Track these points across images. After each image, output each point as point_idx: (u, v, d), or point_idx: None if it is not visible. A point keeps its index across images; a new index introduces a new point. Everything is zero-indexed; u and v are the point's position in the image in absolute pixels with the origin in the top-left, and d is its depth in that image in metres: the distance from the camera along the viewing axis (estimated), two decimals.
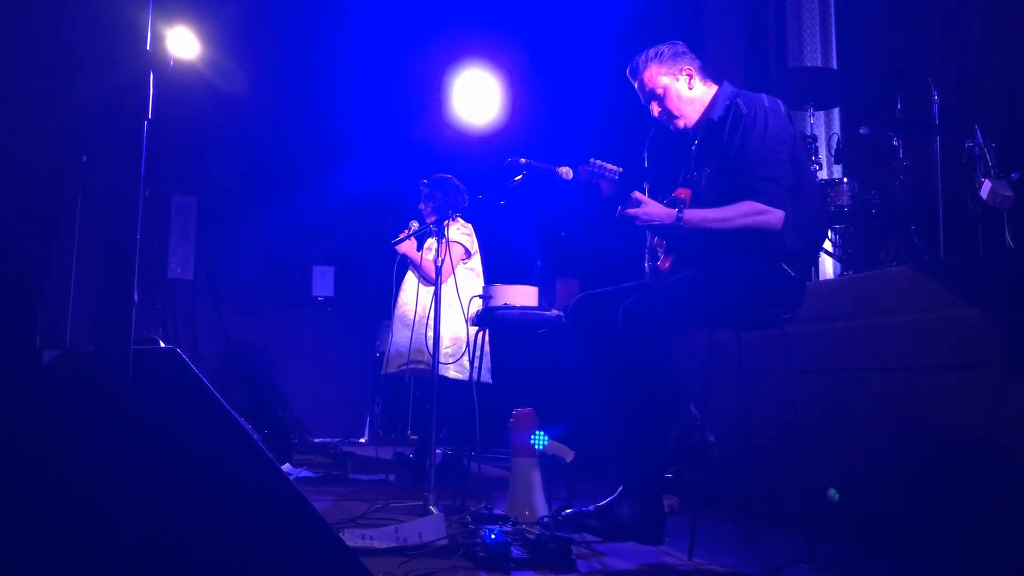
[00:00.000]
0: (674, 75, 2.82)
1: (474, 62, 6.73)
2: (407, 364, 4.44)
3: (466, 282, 4.45)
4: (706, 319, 2.75)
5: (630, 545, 2.57)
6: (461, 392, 4.26)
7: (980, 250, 3.72)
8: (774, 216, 2.58)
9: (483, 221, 4.90)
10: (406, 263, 4.64)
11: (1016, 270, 2.49)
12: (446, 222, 4.48)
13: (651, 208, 2.69)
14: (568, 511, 2.64)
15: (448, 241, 3.68)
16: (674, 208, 2.69)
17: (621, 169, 2.98)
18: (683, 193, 2.80)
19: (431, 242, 4.48)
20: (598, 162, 3.03)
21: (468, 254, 4.52)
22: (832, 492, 2.82)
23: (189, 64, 6.23)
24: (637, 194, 2.71)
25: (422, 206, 4.66)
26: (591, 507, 2.58)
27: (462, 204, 4.56)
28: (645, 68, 2.84)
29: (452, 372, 4.34)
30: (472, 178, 4.90)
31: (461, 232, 4.54)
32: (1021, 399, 2.35)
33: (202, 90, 6.40)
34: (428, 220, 4.57)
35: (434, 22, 6.67)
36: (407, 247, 4.44)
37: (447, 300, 4.33)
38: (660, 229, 2.74)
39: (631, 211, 2.69)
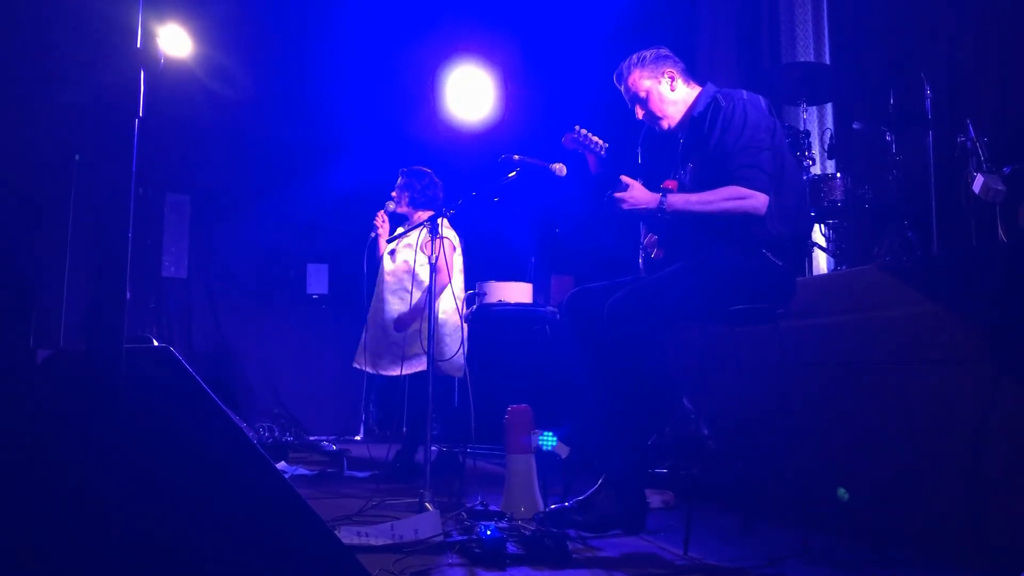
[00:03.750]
0: (656, 78, 2.93)
1: (467, 59, 6.72)
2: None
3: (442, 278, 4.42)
4: (695, 314, 2.78)
5: (626, 540, 2.58)
6: (445, 386, 4.29)
7: (973, 244, 3.73)
8: (757, 200, 2.64)
9: (477, 218, 4.90)
10: (375, 244, 4.60)
11: (1008, 264, 2.50)
12: (419, 214, 4.53)
13: (637, 193, 2.76)
14: (551, 507, 2.69)
15: (441, 238, 3.64)
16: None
17: (608, 144, 3.03)
18: (671, 184, 2.89)
19: (400, 229, 4.55)
20: (583, 131, 3.07)
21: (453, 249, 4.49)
22: (841, 491, 2.83)
23: (182, 62, 6.21)
24: (625, 178, 2.78)
25: (394, 194, 4.62)
26: (571, 502, 2.65)
27: (438, 200, 4.57)
28: (629, 73, 2.96)
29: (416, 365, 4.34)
30: (466, 175, 4.90)
31: (449, 228, 4.52)
32: (1013, 393, 2.36)
33: (195, 88, 6.37)
34: (400, 210, 4.58)
35: (427, 19, 6.66)
36: (385, 233, 4.50)
37: (418, 295, 4.39)
38: (645, 214, 2.79)
39: (618, 195, 2.77)
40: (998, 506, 2.36)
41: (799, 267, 4.27)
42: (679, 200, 2.73)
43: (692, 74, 3.00)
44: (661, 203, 2.72)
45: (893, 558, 2.54)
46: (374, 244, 4.61)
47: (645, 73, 2.93)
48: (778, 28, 5.48)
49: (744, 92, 2.82)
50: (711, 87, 2.93)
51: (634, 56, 2.97)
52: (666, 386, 2.68)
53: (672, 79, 2.92)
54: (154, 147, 6.30)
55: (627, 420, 2.61)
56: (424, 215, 4.54)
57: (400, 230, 4.65)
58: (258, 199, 7.06)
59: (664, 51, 2.97)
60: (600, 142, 3.04)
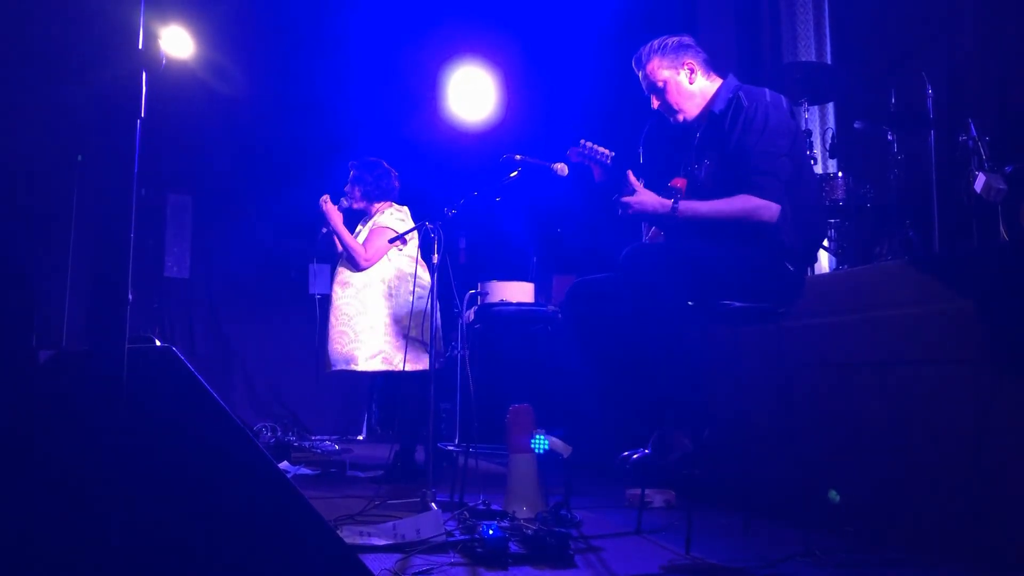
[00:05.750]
0: (675, 69, 2.85)
1: (469, 59, 6.72)
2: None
3: (405, 268, 4.35)
4: (701, 287, 2.71)
5: (628, 539, 2.58)
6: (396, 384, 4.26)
7: (974, 243, 3.73)
8: (769, 211, 2.60)
9: (479, 218, 4.89)
10: (330, 240, 4.52)
11: (1010, 263, 2.50)
12: (378, 206, 4.48)
13: (644, 197, 2.71)
14: (633, 456, 2.66)
15: (438, 237, 3.62)
16: (670, 198, 2.70)
17: (613, 154, 2.98)
18: (679, 183, 2.83)
19: (359, 227, 4.51)
20: (589, 144, 3.03)
21: (403, 240, 4.37)
22: (832, 494, 2.83)
23: (184, 63, 6.22)
24: (632, 177, 2.73)
25: (347, 188, 4.55)
26: (647, 451, 2.63)
27: (394, 190, 4.53)
28: (648, 60, 2.87)
29: (378, 364, 4.27)
30: (468, 175, 4.89)
31: (395, 217, 4.45)
32: (1014, 392, 2.36)
33: (197, 89, 6.38)
34: (355, 205, 4.53)
35: (429, 19, 6.66)
36: (337, 220, 4.41)
37: (374, 288, 4.36)
38: (654, 219, 2.76)
39: (625, 199, 2.72)
40: (998, 506, 2.36)
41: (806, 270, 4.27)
42: (690, 208, 2.67)
43: (712, 66, 2.92)
44: (673, 210, 2.66)
45: (893, 558, 2.54)
46: (327, 239, 4.53)
47: (664, 62, 2.84)
48: (779, 27, 5.48)
49: (767, 92, 2.74)
50: (733, 80, 2.86)
51: (655, 42, 2.88)
52: (676, 332, 2.66)
53: (692, 71, 2.85)
54: (156, 148, 6.32)
55: (644, 376, 2.63)
56: (383, 207, 4.49)
57: (367, 217, 4.54)
58: (260, 199, 7.07)
59: (687, 40, 2.89)
60: (606, 152, 2.99)
